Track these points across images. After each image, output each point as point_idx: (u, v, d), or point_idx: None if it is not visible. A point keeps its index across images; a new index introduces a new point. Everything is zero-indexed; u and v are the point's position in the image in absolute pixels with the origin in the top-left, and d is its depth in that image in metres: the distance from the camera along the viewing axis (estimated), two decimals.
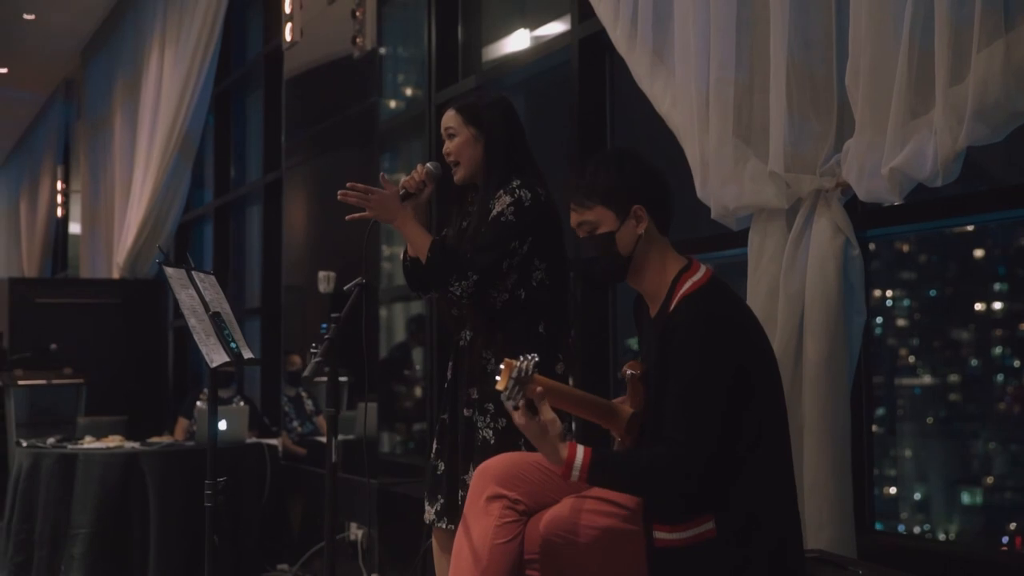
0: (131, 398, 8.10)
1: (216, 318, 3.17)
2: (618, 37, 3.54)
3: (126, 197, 8.81)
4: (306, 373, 2.69)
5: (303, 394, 6.26)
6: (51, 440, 6.00)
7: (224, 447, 5.76)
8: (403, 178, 3.27)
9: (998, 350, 5.08)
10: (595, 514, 2.42)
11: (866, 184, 2.66)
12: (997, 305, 5.07)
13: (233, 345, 3.20)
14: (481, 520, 2.48)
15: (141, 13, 8.87)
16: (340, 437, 5.81)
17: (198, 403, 6.76)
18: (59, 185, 13.01)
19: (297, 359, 6.23)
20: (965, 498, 5.05)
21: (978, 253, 4.96)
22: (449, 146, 3.22)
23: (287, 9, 6.10)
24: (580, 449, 2.29)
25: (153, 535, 5.52)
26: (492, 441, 3.07)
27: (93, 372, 8.04)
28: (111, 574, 5.50)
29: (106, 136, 9.93)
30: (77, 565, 5.45)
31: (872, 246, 3.18)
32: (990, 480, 5.00)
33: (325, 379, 2.82)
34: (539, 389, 2.29)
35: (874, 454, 3.13)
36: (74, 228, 12.66)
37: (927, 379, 5.13)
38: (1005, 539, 4.80)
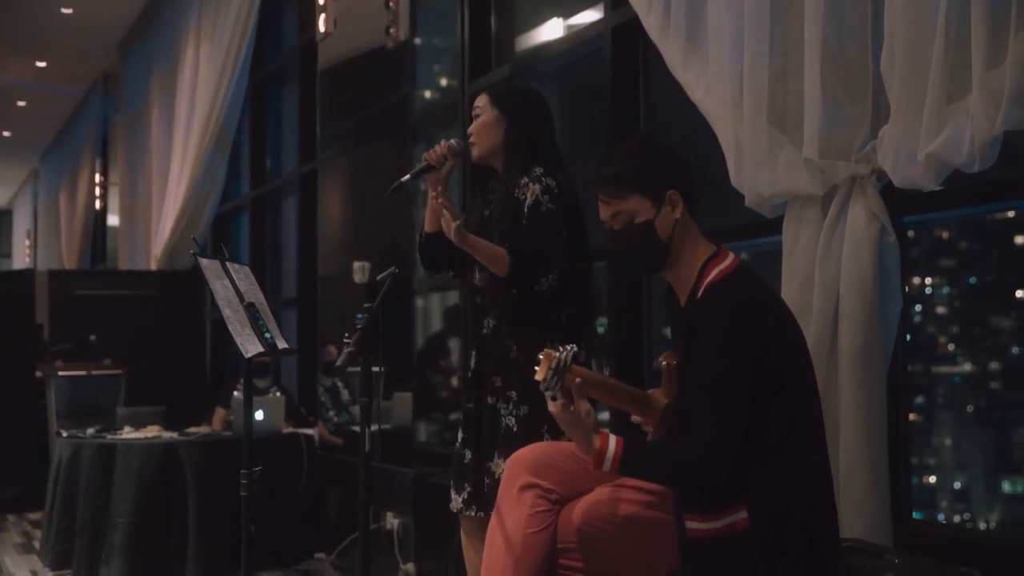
0: (170, 388, 8.17)
1: (251, 308, 3.18)
2: (651, 24, 3.52)
3: (163, 189, 8.88)
4: (339, 362, 2.70)
5: (339, 384, 6.28)
6: (91, 430, 6.06)
7: (261, 437, 5.80)
8: (425, 152, 3.30)
9: None
10: (630, 503, 2.42)
11: (902, 170, 2.63)
12: None
13: (268, 335, 3.21)
14: (514, 509, 2.49)
15: (177, 7, 8.92)
16: (376, 427, 5.87)
17: (235, 393, 6.81)
18: (98, 178, 13.13)
19: (333, 349, 6.25)
20: (1006, 487, 5.01)
21: (1019, 240, 4.91)
22: (472, 126, 3.27)
23: (321, 0, 6.11)
24: (612, 440, 2.28)
25: (192, 524, 5.58)
26: (515, 429, 3.09)
27: (132, 363, 8.13)
28: (151, 563, 5.56)
29: (143, 129, 10.00)
30: (117, 554, 5.51)
31: (911, 233, 3.14)
32: None
33: (358, 369, 2.83)
34: (577, 380, 2.29)
35: (911, 443, 3.10)
36: (112, 220, 12.78)
37: (967, 367, 5.08)
38: None
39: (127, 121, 10.93)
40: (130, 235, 10.65)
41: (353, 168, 6.33)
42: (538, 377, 2.27)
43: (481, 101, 3.28)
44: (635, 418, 2.49)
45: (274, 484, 5.80)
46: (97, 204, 13.10)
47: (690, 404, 2.29)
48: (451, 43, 5.62)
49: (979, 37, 2.42)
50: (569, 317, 3.11)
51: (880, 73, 2.73)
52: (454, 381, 6.19)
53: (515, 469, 2.56)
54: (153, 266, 9.10)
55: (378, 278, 2.94)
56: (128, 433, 5.90)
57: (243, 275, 3.31)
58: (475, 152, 3.25)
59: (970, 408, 5.03)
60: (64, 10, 9.94)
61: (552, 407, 2.30)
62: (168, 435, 5.86)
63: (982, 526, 4.73)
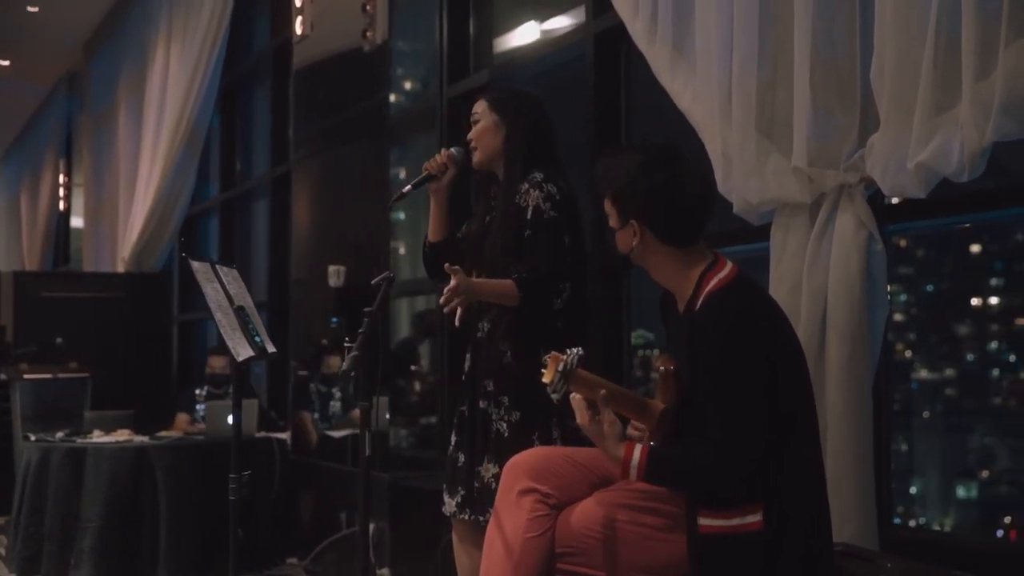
0: (136, 392, 8.08)
1: (240, 312, 3.17)
2: (637, 31, 3.53)
3: (131, 191, 8.80)
4: (344, 367, 2.69)
5: (335, 393, 6.25)
6: (60, 434, 5.99)
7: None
8: (426, 162, 3.32)
9: (994, 345, 5.11)
10: (629, 509, 2.44)
11: (891, 179, 2.66)
12: (994, 300, 5.10)
13: (257, 339, 3.20)
14: (513, 514, 2.49)
15: (146, 7, 8.85)
16: (350, 431, 5.84)
17: (198, 400, 6.77)
18: (61, 179, 12.99)
19: (335, 360, 6.18)
20: (961, 492, 5.08)
21: (975, 248, 4.98)
22: (472, 132, 3.27)
23: (297, 3, 6.09)
24: (637, 448, 2.34)
25: (163, 529, 5.52)
26: (506, 434, 3.10)
27: (98, 366, 8.04)
28: (121, 568, 5.50)
29: (110, 130, 9.91)
30: (87, 559, 5.45)
31: (903, 243, 3.18)
32: (986, 474, 5.02)
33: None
34: (602, 392, 2.35)
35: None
36: (76, 222, 12.64)
37: (924, 374, 5.15)
38: (1000, 532, 4.83)
39: (92, 121, 10.82)
40: (95, 237, 10.55)
41: (327, 171, 6.31)
42: (545, 379, 2.32)
43: (480, 107, 3.28)
44: (632, 426, 2.52)
45: (248, 488, 5.75)
46: (61, 205, 12.96)
47: (703, 411, 2.32)
48: (430, 47, 5.62)
49: (969, 48, 2.46)
50: (565, 323, 3.12)
51: (868, 82, 2.76)
52: (417, 386, 6.19)
53: (514, 473, 2.57)
54: (120, 268, 9.01)
55: (372, 282, 2.94)
56: (98, 437, 5.84)
57: (232, 278, 3.29)
58: (476, 158, 3.26)
59: (926, 414, 5.09)
60: (30, 8, 9.84)
61: (578, 416, 2.35)
62: (139, 439, 5.80)
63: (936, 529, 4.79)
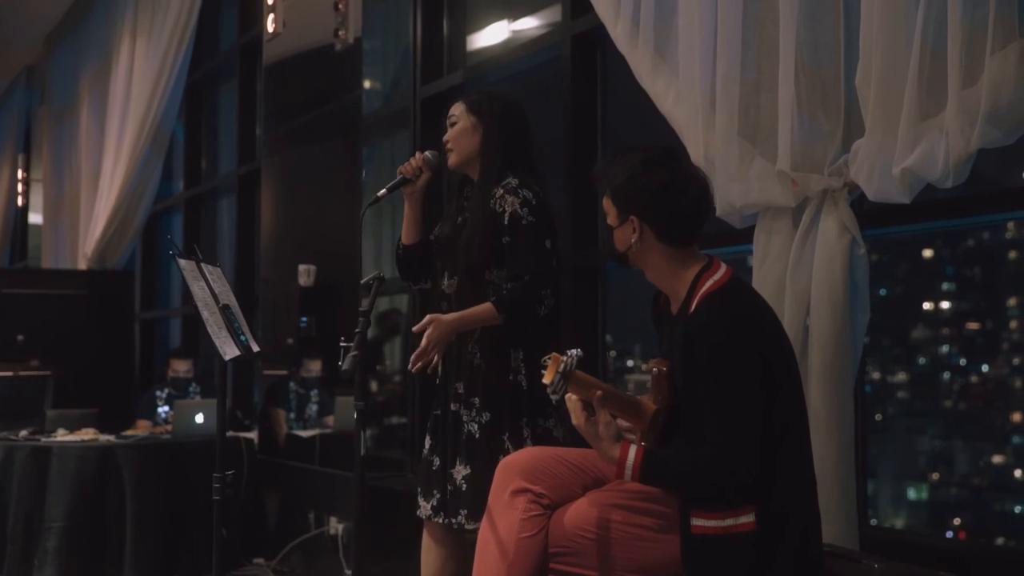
0: (98, 391, 7.98)
1: (225, 311, 3.15)
2: (619, 34, 3.54)
3: (93, 187, 8.69)
4: (345, 367, 2.68)
5: (313, 397, 6.21)
6: (23, 433, 5.92)
7: (201, 440, 5.74)
8: (401, 165, 3.32)
9: (945, 348, 5.17)
10: (622, 509, 2.46)
11: (876, 184, 2.69)
12: (945, 305, 5.16)
13: (243, 338, 3.18)
14: (507, 514, 2.50)
15: (111, 2, 8.75)
16: (318, 431, 5.81)
17: (159, 402, 6.70)
18: (20, 174, 12.80)
19: (317, 364, 6.14)
20: (911, 494, 5.14)
21: (927, 253, 5.05)
22: (449, 133, 3.28)
23: (269, 0, 6.05)
24: (632, 449, 2.35)
25: (129, 529, 5.48)
26: (477, 435, 3.11)
27: (60, 364, 7.93)
28: (85, 569, 5.45)
29: (71, 125, 9.79)
30: (51, 559, 5.39)
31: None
32: (936, 476, 5.08)
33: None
34: (598, 393, 2.36)
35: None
36: (34, 218, 12.45)
37: (875, 376, 5.20)
38: (949, 534, 4.90)
39: (53, 116, 10.67)
40: (54, 233, 10.40)
41: (297, 170, 6.28)
42: (545, 380, 2.34)
43: (457, 109, 3.29)
44: (622, 422, 2.52)
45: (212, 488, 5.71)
46: (19, 201, 12.77)
47: (696, 411, 2.33)
48: (400, 47, 5.61)
49: (955, 56, 2.49)
50: (535, 326, 3.13)
51: (852, 88, 2.79)
52: (382, 386, 6.17)
53: (507, 474, 2.58)
54: (82, 265, 8.90)
55: (362, 282, 2.93)
56: (63, 436, 5.77)
57: (216, 276, 3.27)
58: (451, 159, 3.27)
59: (878, 416, 5.15)
60: None
61: (573, 417, 2.36)
62: (105, 438, 5.74)
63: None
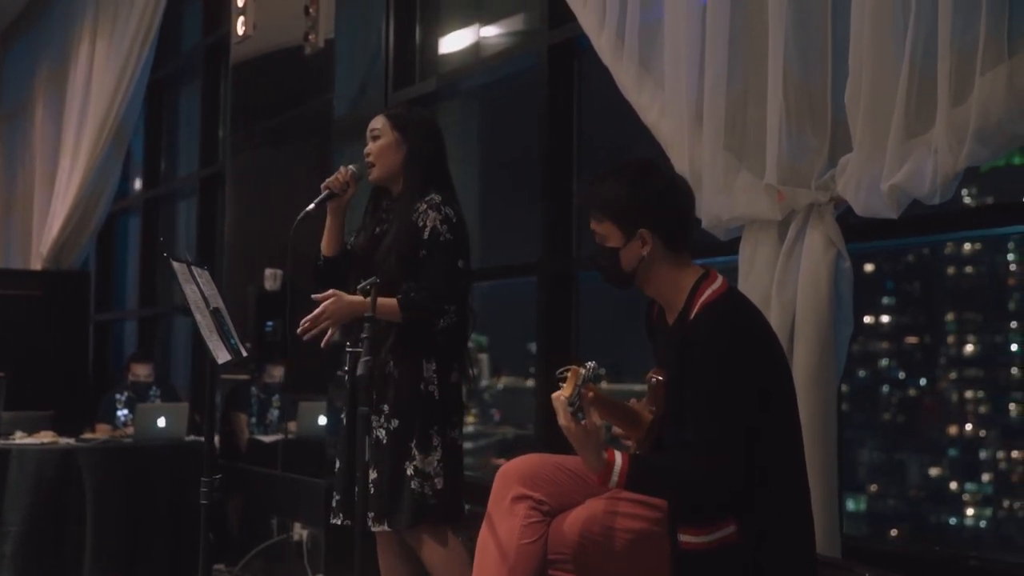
0: (52, 393, 7.86)
1: (216, 314, 3.13)
2: (603, 46, 3.55)
3: (49, 187, 8.56)
4: (360, 371, 2.68)
5: (274, 402, 6.17)
6: None
7: (164, 444, 5.68)
8: (327, 179, 3.36)
9: (885, 362, 5.26)
10: (622, 516, 2.47)
11: (863, 199, 2.73)
12: (885, 318, 5.25)
13: (232, 341, 3.17)
14: (507, 520, 2.51)
15: (70, 1, 8.65)
16: (281, 437, 5.77)
17: (118, 406, 6.62)
18: None
19: (279, 370, 6.10)
20: (850, 505, 5.22)
21: (868, 268, 5.14)
22: (371, 147, 3.32)
23: (240, 3, 6.01)
24: (619, 455, 2.35)
25: (90, 533, 5.41)
26: (384, 441, 3.18)
27: (13, 366, 7.79)
28: (43, 574, 5.37)
29: (25, 124, 9.65)
30: (7, 564, 5.30)
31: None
32: (874, 488, 5.17)
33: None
34: (590, 394, 2.33)
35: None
36: None
37: None
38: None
39: (6, 115, 10.51)
40: (5, 233, 10.25)
41: (264, 173, 6.24)
42: (564, 394, 2.29)
43: (379, 123, 3.34)
44: (616, 430, 2.54)
45: (175, 493, 5.67)
46: None
47: (683, 419, 2.34)
48: (371, 52, 5.60)
49: (944, 76, 2.54)
50: (444, 335, 3.19)
51: (840, 103, 2.83)
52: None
53: (506, 480, 2.59)
54: (36, 265, 8.77)
55: (358, 288, 2.93)
56: (21, 438, 5.69)
57: (205, 280, 3.25)
58: (374, 174, 3.33)
59: None
60: None
61: (560, 419, 2.33)
62: (64, 440, 5.67)
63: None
